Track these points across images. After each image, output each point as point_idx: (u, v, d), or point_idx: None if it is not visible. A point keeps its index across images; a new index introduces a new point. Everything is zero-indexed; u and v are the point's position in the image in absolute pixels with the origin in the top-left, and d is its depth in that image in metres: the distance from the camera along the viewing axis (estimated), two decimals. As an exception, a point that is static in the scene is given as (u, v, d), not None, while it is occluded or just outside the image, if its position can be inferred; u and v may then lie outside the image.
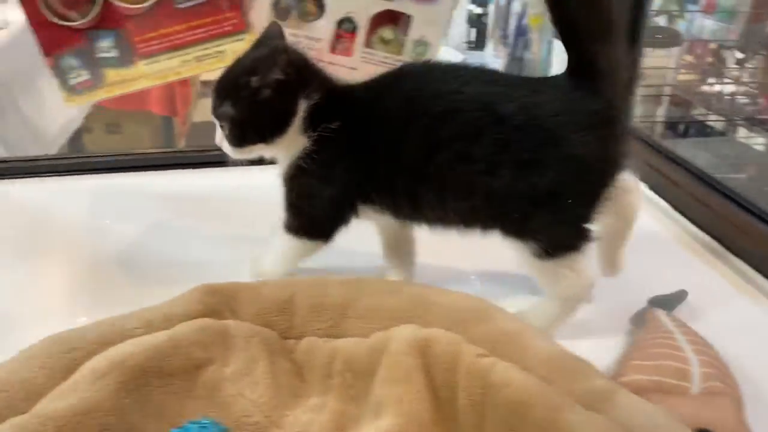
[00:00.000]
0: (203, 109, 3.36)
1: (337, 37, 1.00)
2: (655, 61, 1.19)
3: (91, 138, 2.81)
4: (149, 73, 0.97)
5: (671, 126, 1.35)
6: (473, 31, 1.88)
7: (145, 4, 0.92)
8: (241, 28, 0.97)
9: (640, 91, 1.22)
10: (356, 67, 1.04)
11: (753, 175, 1.35)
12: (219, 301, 0.60)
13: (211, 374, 0.53)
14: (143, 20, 0.93)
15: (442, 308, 0.57)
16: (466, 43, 1.92)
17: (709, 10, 1.31)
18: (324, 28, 0.99)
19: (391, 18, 1.00)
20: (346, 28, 1.00)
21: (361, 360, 0.54)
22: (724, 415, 0.50)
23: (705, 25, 1.36)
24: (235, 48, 0.98)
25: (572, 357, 0.51)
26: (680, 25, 1.40)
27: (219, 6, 0.95)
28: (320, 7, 0.98)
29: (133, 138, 2.94)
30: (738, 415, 0.50)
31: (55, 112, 2.05)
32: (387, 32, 1.01)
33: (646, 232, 0.87)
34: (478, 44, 1.83)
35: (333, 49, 1.00)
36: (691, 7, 1.35)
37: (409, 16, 1.00)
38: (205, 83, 3.51)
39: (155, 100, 3.02)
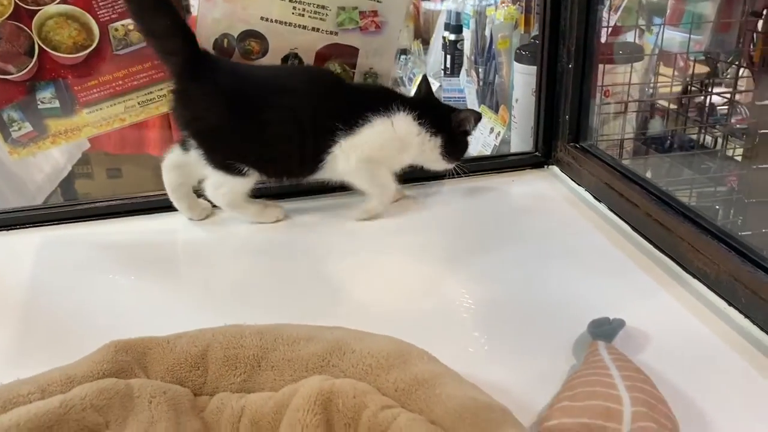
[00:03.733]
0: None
1: (284, 74, 0.99)
2: (619, 77, 1.16)
3: (94, 184, 2.83)
4: (93, 121, 0.96)
5: (652, 141, 1.31)
6: (449, 58, 1.87)
7: (81, 54, 0.91)
8: (183, 70, 0.96)
9: (605, 109, 1.19)
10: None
11: (734, 187, 1.31)
12: (130, 359, 0.57)
13: (104, 440, 0.49)
14: (82, 69, 0.92)
15: (357, 355, 0.54)
16: (442, 70, 1.91)
17: (674, 21, 1.29)
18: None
19: (338, 51, 0.99)
20: (292, 64, 0.98)
21: (267, 417, 0.51)
22: (652, 460, 0.46)
23: (673, 37, 1.34)
24: (179, 91, 0.97)
25: (485, 405, 0.48)
26: (649, 39, 1.38)
27: (159, 50, 0.94)
28: (263, 45, 0.97)
29: (136, 181, 2.95)
30: (667, 459, 0.46)
31: (41, 162, 2.05)
32: (334, 66, 0.99)
33: (603, 253, 0.84)
34: (453, 71, 1.82)
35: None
36: (656, 20, 1.33)
37: (355, 49, 0.99)
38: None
39: (152, 143, 3.03)
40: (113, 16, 0.90)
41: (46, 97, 0.92)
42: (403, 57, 2.07)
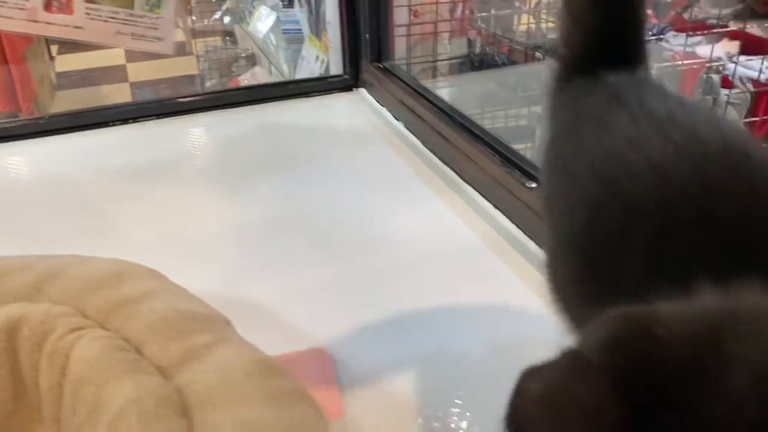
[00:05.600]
0: (60, 101, 3.15)
1: (51, -6, 0.90)
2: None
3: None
4: None
5: (467, 62, 1.32)
6: (285, -10, 1.80)
7: None
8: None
9: (414, 29, 1.18)
10: (82, 25, 0.93)
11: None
12: None
13: None
14: None
15: (69, 279, 0.50)
16: (280, 1, 1.85)
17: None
18: (31, -15, 0.88)
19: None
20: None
21: (-44, 352, 0.46)
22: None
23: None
24: None
25: (187, 316, 0.45)
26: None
27: None
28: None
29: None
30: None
31: None
32: None
33: (391, 168, 0.84)
34: (290, 2, 1.75)
35: (49, 7, 0.89)
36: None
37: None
38: (61, 74, 3.30)
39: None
40: None
41: None
42: (243, -11, 1.99)
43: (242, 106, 1.03)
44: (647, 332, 0.21)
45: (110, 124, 0.98)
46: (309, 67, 1.40)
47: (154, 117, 1.00)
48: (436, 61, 1.18)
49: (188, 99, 1.05)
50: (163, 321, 0.44)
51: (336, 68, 1.20)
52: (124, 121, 0.99)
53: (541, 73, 1.42)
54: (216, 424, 0.36)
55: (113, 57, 3.45)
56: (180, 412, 0.36)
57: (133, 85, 3.44)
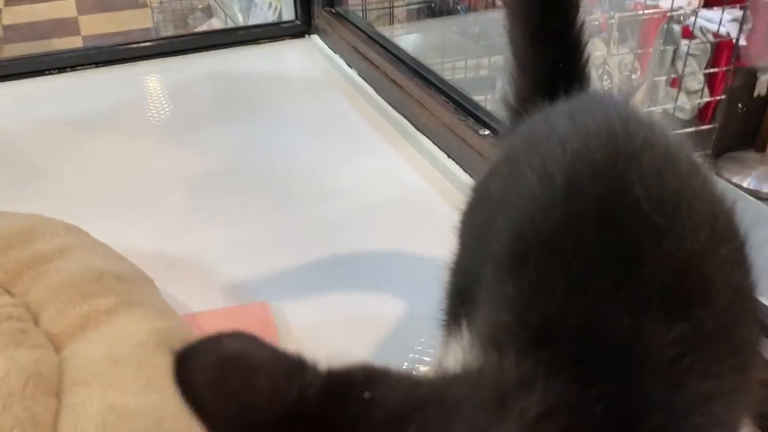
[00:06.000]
0: (8, 55, 3.01)
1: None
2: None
3: None
4: None
5: (426, 9, 1.28)
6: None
7: None
8: None
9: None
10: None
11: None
12: None
13: None
14: None
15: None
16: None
17: None
18: None
19: None
20: None
21: None
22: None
23: None
24: None
25: (95, 275, 0.43)
26: None
27: None
28: None
29: None
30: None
31: None
32: None
33: (343, 117, 0.81)
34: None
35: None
36: None
37: None
38: (8, 27, 3.14)
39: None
40: None
41: None
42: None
43: (191, 53, 0.98)
44: (359, 388, 0.21)
45: (47, 72, 0.93)
46: (262, 15, 1.34)
47: (94, 65, 0.94)
48: (392, 6, 1.14)
49: (133, 46, 0.99)
50: (69, 282, 0.42)
51: (288, 14, 1.16)
52: (62, 69, 0.93)
53: (502, 21, 1.38)
54: (84, 407, 0.34)
55: (64, 9, 3.30)
56: (54, 391, 0.34)
57: (86, 38, 3.31)
